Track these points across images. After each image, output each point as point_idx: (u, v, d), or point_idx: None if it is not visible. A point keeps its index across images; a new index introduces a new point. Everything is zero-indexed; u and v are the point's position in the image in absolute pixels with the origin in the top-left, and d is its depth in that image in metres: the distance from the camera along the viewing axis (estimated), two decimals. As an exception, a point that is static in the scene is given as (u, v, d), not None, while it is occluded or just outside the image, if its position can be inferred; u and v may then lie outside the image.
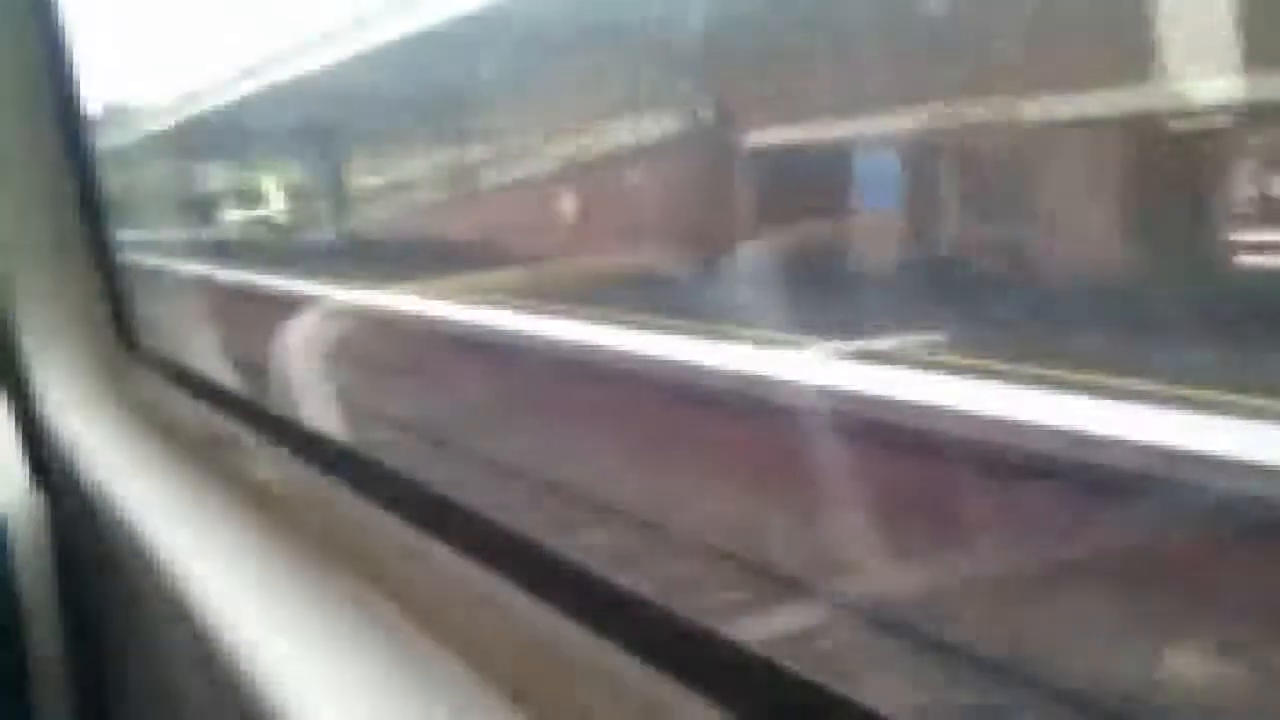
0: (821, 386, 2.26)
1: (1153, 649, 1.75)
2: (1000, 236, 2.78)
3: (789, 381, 2.32)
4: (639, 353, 2.93)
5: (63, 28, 1.69)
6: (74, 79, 1.70)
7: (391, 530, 0.90)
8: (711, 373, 2.62)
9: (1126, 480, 1.96)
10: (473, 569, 0.78)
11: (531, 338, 3.62)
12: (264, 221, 7.73)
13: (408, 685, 0.73)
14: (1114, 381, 2.24)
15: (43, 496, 1.62)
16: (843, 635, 1.87)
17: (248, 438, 1.27)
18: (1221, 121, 2.29)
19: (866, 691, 0.50)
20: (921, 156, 2.91)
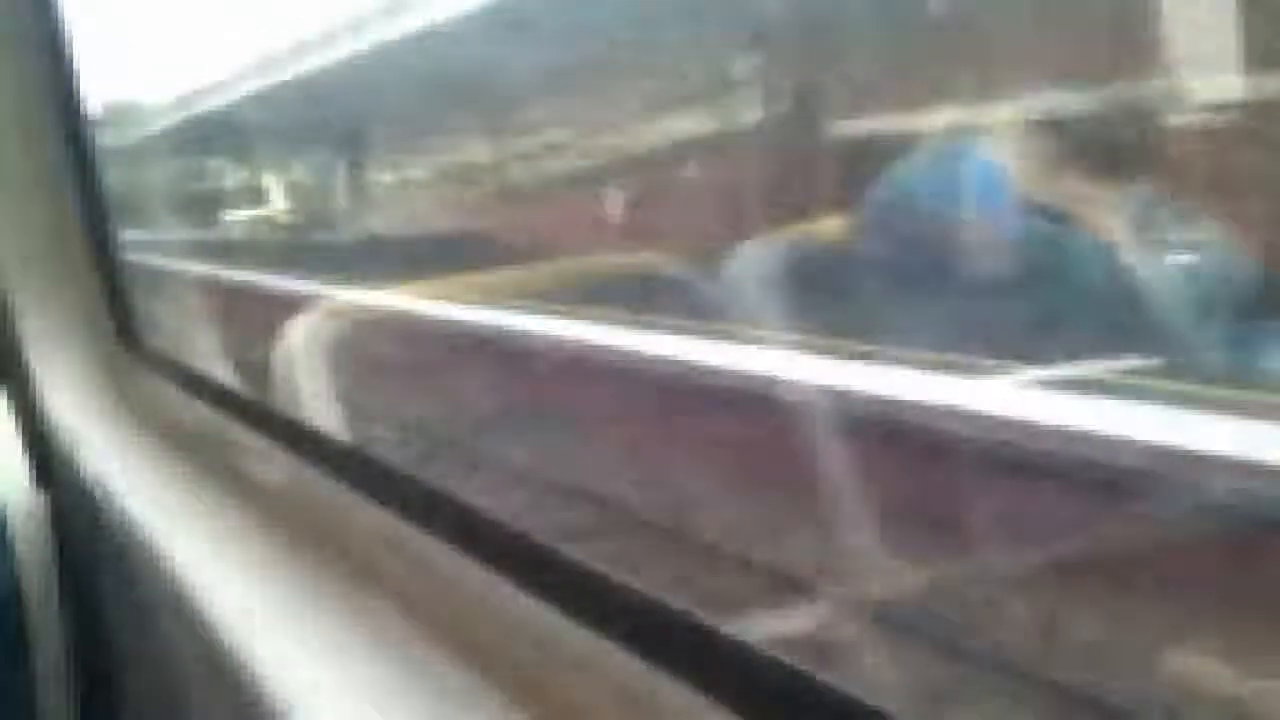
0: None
1: None
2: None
3: (1004, 420, 1.69)
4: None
5: (63, 25, 1.68)
6: (74, 77, 1.70)
7: (393, 530, 0.90)
8: (915, 413, 1.86)
9: None
10: (475, 569, 0.78)
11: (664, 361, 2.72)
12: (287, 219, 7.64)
13: (409, 684, 0.73)
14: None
15: (44, 495, 1.62)
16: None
17: (249, 437, 1.27)
18: None
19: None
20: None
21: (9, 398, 1.71)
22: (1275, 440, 1.44)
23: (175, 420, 1.52)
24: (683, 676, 0.57)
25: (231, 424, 1.32)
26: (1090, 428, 1.63)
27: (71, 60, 1.70)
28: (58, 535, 1.60)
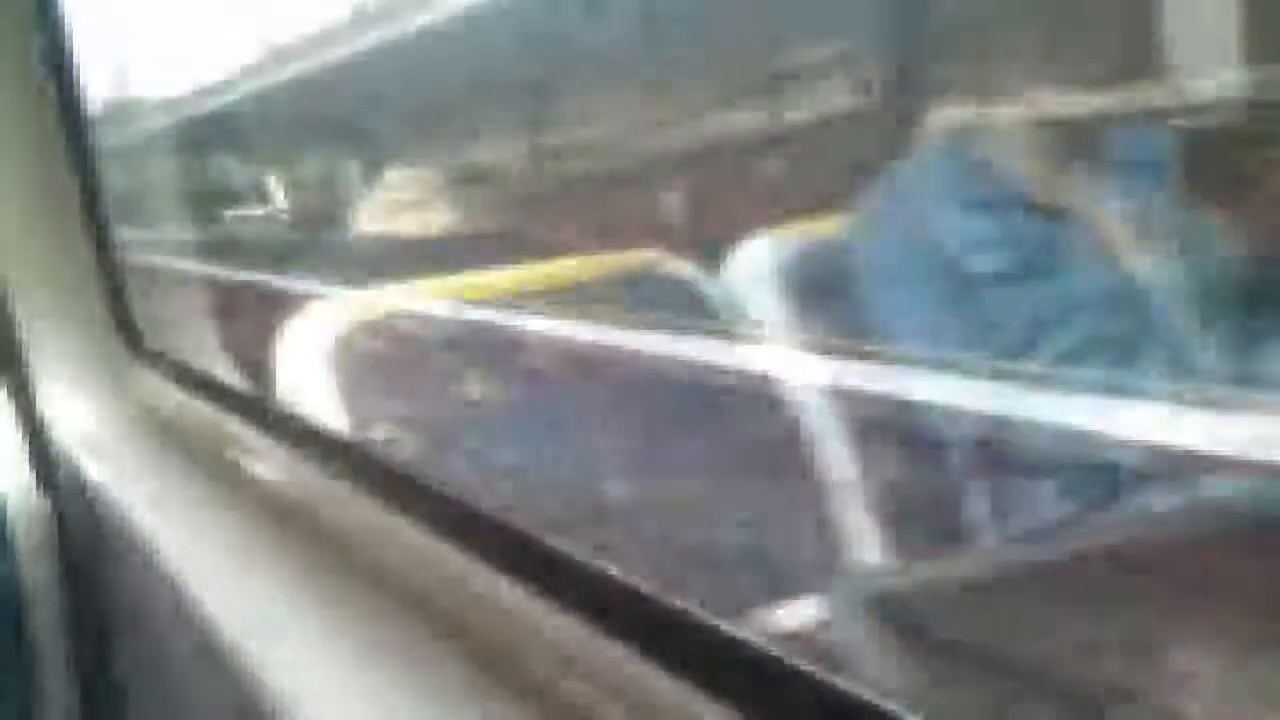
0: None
1: None
2: None
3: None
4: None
5: (64, 24, 1.68)
6: (75, 76, 1.70)
7: (396, 528, 0.90)
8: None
9: None
10: (479, 568, 0.78)
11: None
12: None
13: (410, 683, 0.73)
14: None
15: (44, 495, 1.62)
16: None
17: (251, 436, 1.27)
18: None
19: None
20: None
21: (9, 397, 1.71)
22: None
23: (176, 419, 1.52)
24: (686, 675, 0.57)
25: (232, 423, 1.32)
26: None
27: (72, 60, 1.70)
28: (58, 535, 1.60)
